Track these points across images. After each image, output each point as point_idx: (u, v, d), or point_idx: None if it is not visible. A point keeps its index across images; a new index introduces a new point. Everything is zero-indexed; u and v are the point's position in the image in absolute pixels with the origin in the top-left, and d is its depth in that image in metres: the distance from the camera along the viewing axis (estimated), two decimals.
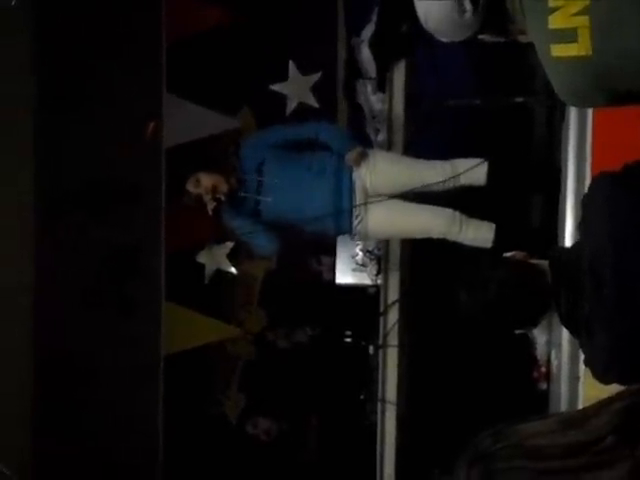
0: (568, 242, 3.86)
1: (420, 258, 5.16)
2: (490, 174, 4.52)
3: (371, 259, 5.36)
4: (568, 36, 2.09)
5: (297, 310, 5.88)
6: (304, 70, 5.71)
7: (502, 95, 5.02)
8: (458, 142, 5.08)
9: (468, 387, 5.08)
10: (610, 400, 2.26)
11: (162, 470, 5.56)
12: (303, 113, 5.59)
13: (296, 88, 5.73)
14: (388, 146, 5.04)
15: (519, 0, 2.19)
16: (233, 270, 5.90)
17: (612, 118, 3.57)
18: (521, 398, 4.60)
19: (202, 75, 5.61)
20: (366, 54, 5.22)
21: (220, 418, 6.00)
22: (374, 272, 5.36)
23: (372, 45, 5.14)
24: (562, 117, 4.11)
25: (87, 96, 5.38)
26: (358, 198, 4.55)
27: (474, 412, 4.44)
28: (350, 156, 4.55)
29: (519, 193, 4.90)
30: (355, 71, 5.35)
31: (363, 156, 4.57)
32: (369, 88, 5.30)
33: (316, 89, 5.72)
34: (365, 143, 4.90)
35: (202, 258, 5.84)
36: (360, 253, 5.40)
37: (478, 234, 4.53)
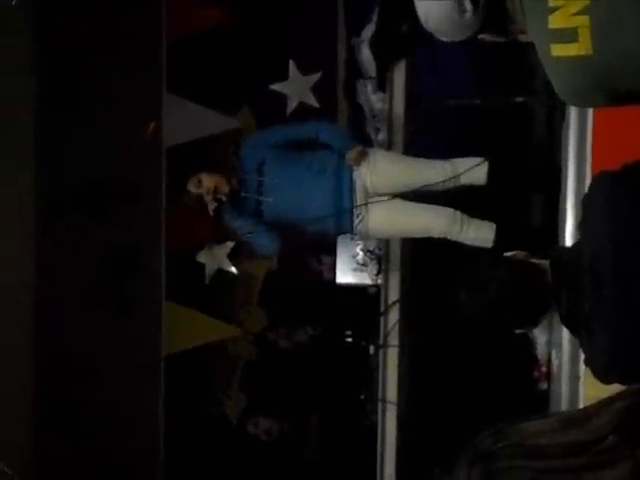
0: (568, 242, 3.86)
1: (420, 258, 5.16)
2: (490, 174, 4.52)
3: (371, 259, 5.37)
4: (568, 36, 2.09)
5: (297, 310, 5.88)
6: (304, 70, 5.71)
7: (502, 95, 5.02)
8: (458, 142, 5.08)
9: (469, 387, 5.08)
10: (611, 400, 2.26)
11: (163, 470, 5.56)
12: (303, 113, 5.59)
13: (296, 88, 5.73)
14: (388, 146, 5.04)
15: (519, 0, 2.19)
16: (233, 270, 5.89)
17: (612, 118, 3.57)
18: (522, 398, 4.60)
19: (202, 75, 5.61)
20: (366, 54, 5.22)
21: (221, 418, 6.00)
22: (374, 272, 5.36)
23: (372, 45, 5.14)
24: (562, 117, 4.11)
25: (87, 96, 5.38)
26: (358, 197, 4.55)
27: (475, 412, 4.44)
28: (350, 155, 4.55)
29: (519, 193, 4.90)
30: (355, 71, 5.35)
31: (363, 155, 4.57)
32: (369, 88, 5.31)
33: (316, 89, 5.72)
34: (365, 143, 4.90)
35: (202, 258, 5.84)
36: (360, 253, 5.40)
37: (479, 234, 4.53)
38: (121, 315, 5.46)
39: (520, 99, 4.99)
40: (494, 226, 4.55)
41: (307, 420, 5.96)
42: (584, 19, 2.07)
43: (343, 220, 4.56)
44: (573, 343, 3.71)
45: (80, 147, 5.37)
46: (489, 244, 4.51)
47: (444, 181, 4.52)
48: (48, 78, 5.36)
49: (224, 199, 4.45)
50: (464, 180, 4.54)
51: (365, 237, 4.83)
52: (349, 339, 5.73)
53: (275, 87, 5.71)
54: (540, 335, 4.36)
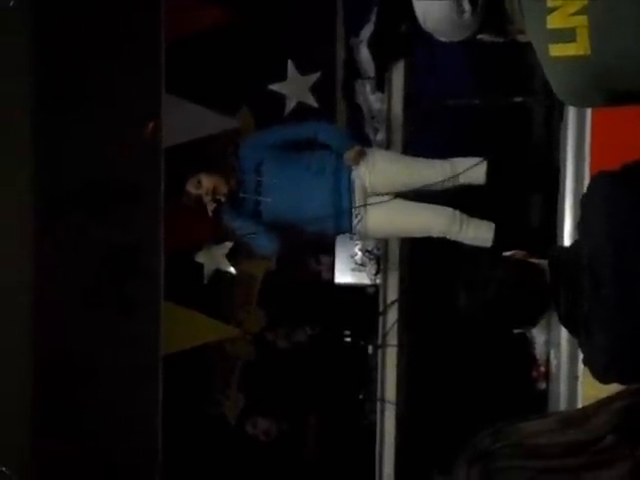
0: (567, 241, 3.86)
1: (419, 257, 5.16)
2: (489, 173, 4.53)
3: (370, 259, 5.36)
4: (566, 36, 2.09)
5: (296, 310, 5.88)
6: (303, 70, 5.71)
7: (501, 95, 5.02)
8: (457, 142, 5.08)
9: (467, 386, 5.08)
10: (610, 399, 2.26)
11: (161, 470, 5.56)
12: (302, 113, 5.59)
13: (295, 88, 5.72)
14: (387, 146, 5.04)
15: (518, 0, 2.19)
16: (232, 270, 5.89)
17: (611, 118, 3.57)
18: (520, 397, 4.60)
19: (201, 75, 5.61)
20: (365, 54, 5.22)
21: (219, 418, 6.00)
22: (373, 272, 5.36)
23: (371, 45, 5.14)
24: (561, 117, 4.12)
25: (86, 96, 5.38)
26: (357, 197, 4.55)
27: (473, 411, 4.45)
28: (349, 155, 4.55)
29: (518, 192, 4.90)
30: (354, 71, 5.35)
31: (362, 155, 4.57)
32: (368, 88, 5.31)
33: (315, 89, 5.72)
34: (364, 143, 4.90)
35: (201, 258, 5.84)
36: (359, 253, 5.39)
37: (478, 233, 4.53)
38: (120, 315, 5.46)
39: (519, 99, 4.99)
40: (493, 226, 4.55)
41: (306, 420, 5.96)
42: (582, 19, 2.07)
43: (342, 220, 4.56)
44: (572, 343, 3.71)
45: (78, 147, 5.37)
46: (488, 244, 4.52)
47: (443, 181, 4.52)
48: (46, 78, 5.36)
49: (223, 200, 4.45)
50: (463, 180, 4.54)
51: (364, 237, 4.83)
52: (348, 339, 5.73)
53: (274, 87, 5.71)
54: (539, 335, 4.36)
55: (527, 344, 4.57)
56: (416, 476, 5.09)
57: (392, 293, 5.14)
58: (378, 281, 5.30)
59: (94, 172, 5.41)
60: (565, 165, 3.96)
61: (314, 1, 5.69)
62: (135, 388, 5.42)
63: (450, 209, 4.55)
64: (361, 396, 5.60)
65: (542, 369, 4.58)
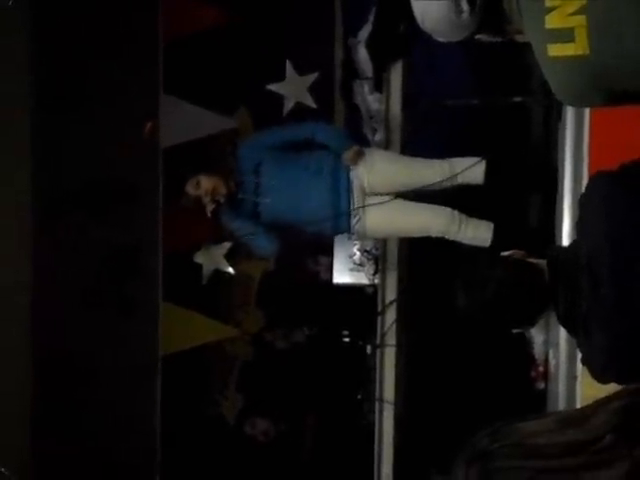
0: (566, 241, 3.87)
1: (418, 257, 5.16)
2: (488, 173, 4.53)
3: (368, 259, 5.36)
4: (565, 36, 2.09)
5: (295, 310, 5.88)
6: (301, 70, 5.71)
7: (499, 95, 5.02)
8: (455, 142, 5.08)
9: (466, 386, 5.08)
10: (608, 399, 2.26)
11: (160, 470, 5.56)
12: (300, 113, 5.59)
13: (293, 88, 5.72)
14: (385, 146, 5.05)
15: (516, 0, 2.19)
16: (231, 270, 5.89)
17: (609, 118, 3.57)
18: (519, 397, 4.61)
19: (199, 75, 5.61)
20: (363, 54, 5.22)
21: (218, 418, 5.99)
22: (372, 272, 5.35)
23: (369, 45, 5.15)
24: (559, 117, 4.12)
25: (84, 96, 5.38)
26: (356, 198, 4.55)
27: (472, 411, 4.45)
28: (347, 155, 4.55)
29: (517, 192, 4.91)
30: (352, 71, 5.36)
31: (360, 155, 4.57)
32: (366, 88, 5.31)
33: (313, 89, 5.71)
34: (362, 143, 4.90)
35: (199, 258, 5.84)
36: (357, 253, 5.39)
37: (477, 233, 4.53)
38: (118, 315, 5.46)
39: (517, 99, 4.99)
40: (492, 225, 4.55)
41: (304, 420, 5.96)
42: (581, 19, 2.07)
43: (340, 220, 4.56)
44: (570, 343, 3.71)
45: (77, 147, 5.37)
46: (487, 243, 4.52)
47: (442, 181, 4.52)
48: (45, 78, 5.36)
49: (222, 201, 4.45)
50: (461, 180, 4.55)
51: (363, 237, 4.83)
52: (346, 339, 5.72)
53: (272, 87, 5.70)
54: (537, 335, 4.37)
55: (526, 344, 4.58)
56: (414, 476, 5.09)
57: (390, 293, 5.15)
58: (376, 281, 5.30)
59: (92, 172, 5.41)
60: (563, 165, 3.97)
61: (312, 1, 5.69)
62: (134, 388, 5.42)
63: (449, 209, 4.56)
64: (359, 396, 5.60)
65: (541, 369, 4.59)
